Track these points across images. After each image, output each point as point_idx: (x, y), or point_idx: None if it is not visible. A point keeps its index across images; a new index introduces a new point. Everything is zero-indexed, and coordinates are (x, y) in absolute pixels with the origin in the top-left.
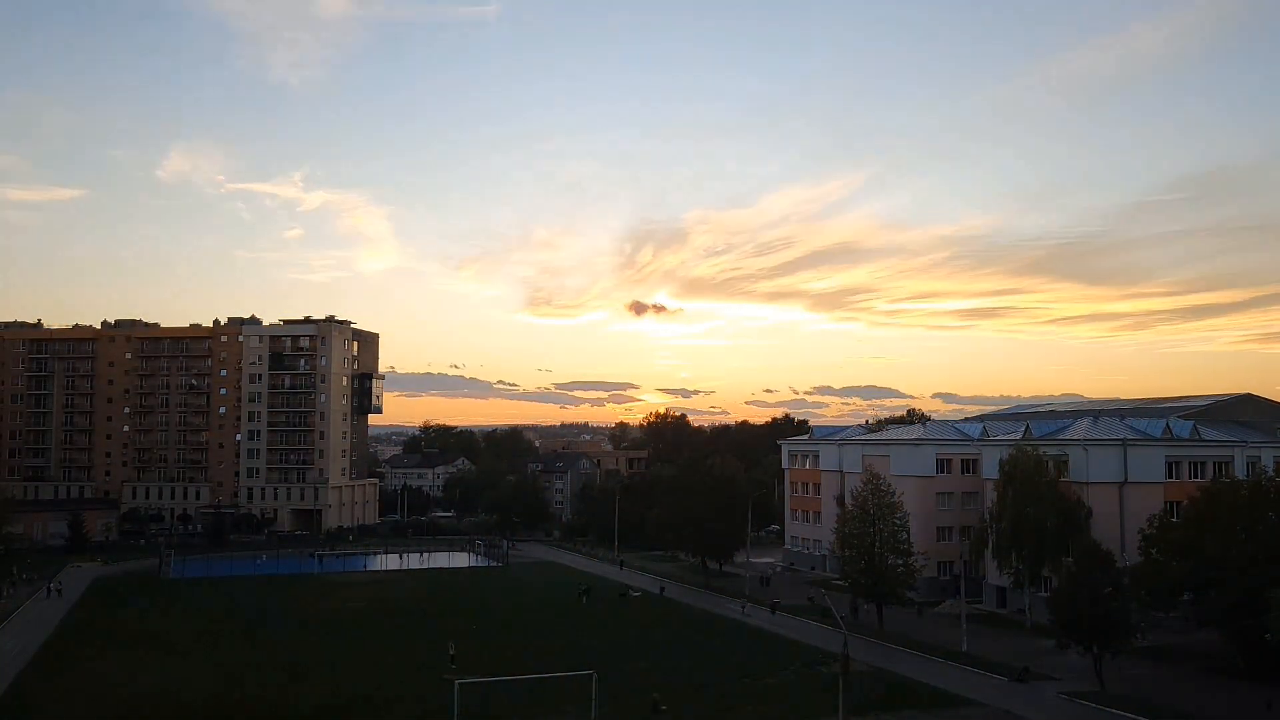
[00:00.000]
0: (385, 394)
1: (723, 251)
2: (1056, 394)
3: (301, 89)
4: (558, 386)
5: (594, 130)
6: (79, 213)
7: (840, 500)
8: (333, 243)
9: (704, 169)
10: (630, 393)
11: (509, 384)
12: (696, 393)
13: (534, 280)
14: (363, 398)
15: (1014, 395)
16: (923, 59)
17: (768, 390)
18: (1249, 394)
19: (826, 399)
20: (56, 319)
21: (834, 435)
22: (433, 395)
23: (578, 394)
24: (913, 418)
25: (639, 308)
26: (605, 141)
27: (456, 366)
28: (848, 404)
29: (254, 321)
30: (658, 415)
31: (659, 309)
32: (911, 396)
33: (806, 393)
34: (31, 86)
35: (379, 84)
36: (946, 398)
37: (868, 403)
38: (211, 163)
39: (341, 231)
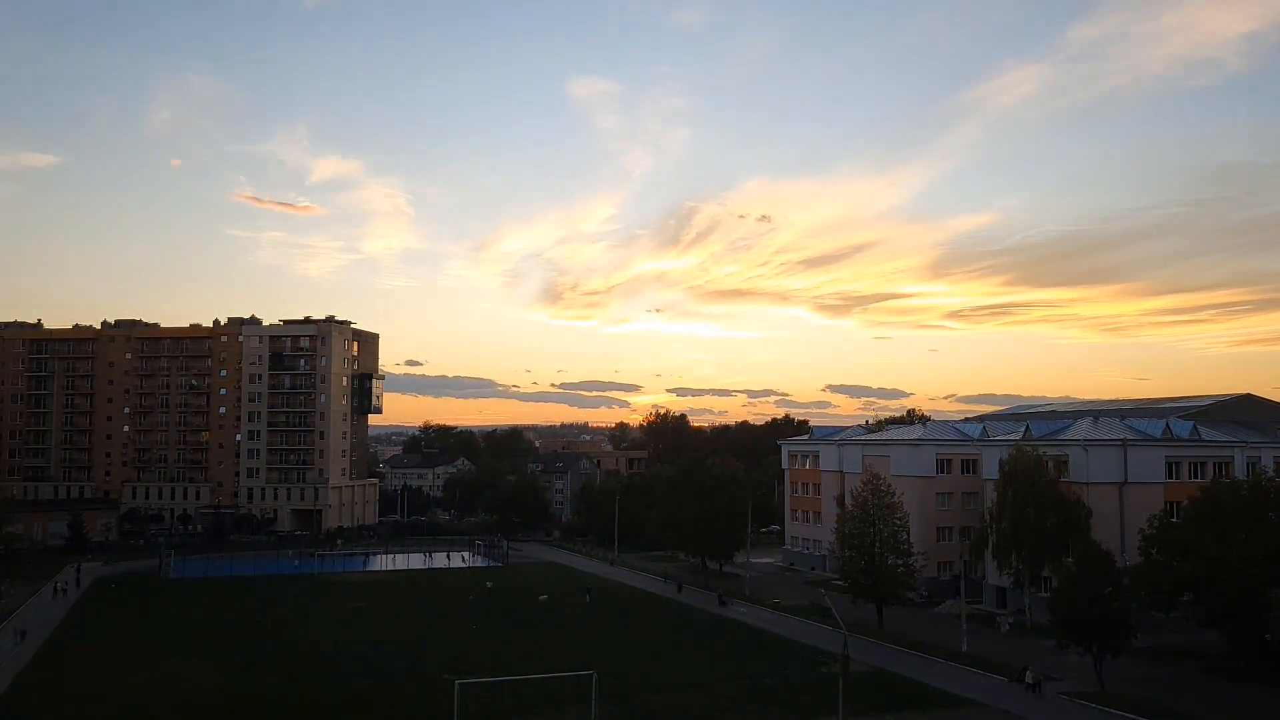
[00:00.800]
0: (392, 394)
1: (743, 250)
2: (1080, 395)
3: (316, 9)
4: (573, 386)
5: (635, 103)
6: (58, 185)
7: (840, 500)
8: (339, 225)
9: (733, 161)
10: (643, 392)
11: (523, 384)
12: (731, 393)
13: (557, 265)
14: (363, 398)
15: (1027, 396)
16: (943, 52)
17: (781, 393)
18: (1249, 394)
19: (845, 399)
20: (56, 319)
21: (834, 435)
22: (439, 396)
23: (597, 395)
24: (912, 418)
25: (658, 306)
26: (649, 118)
27: (483, 368)
28: (874, 403)
29: (254, 321)
30: (658, 415)
31: (679, 308)
32: (931, 398)
33: (827, 389)
34: None
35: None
36: (968, 399)
37: (887, 403)
38: (205, 114)
39: (348, 214)
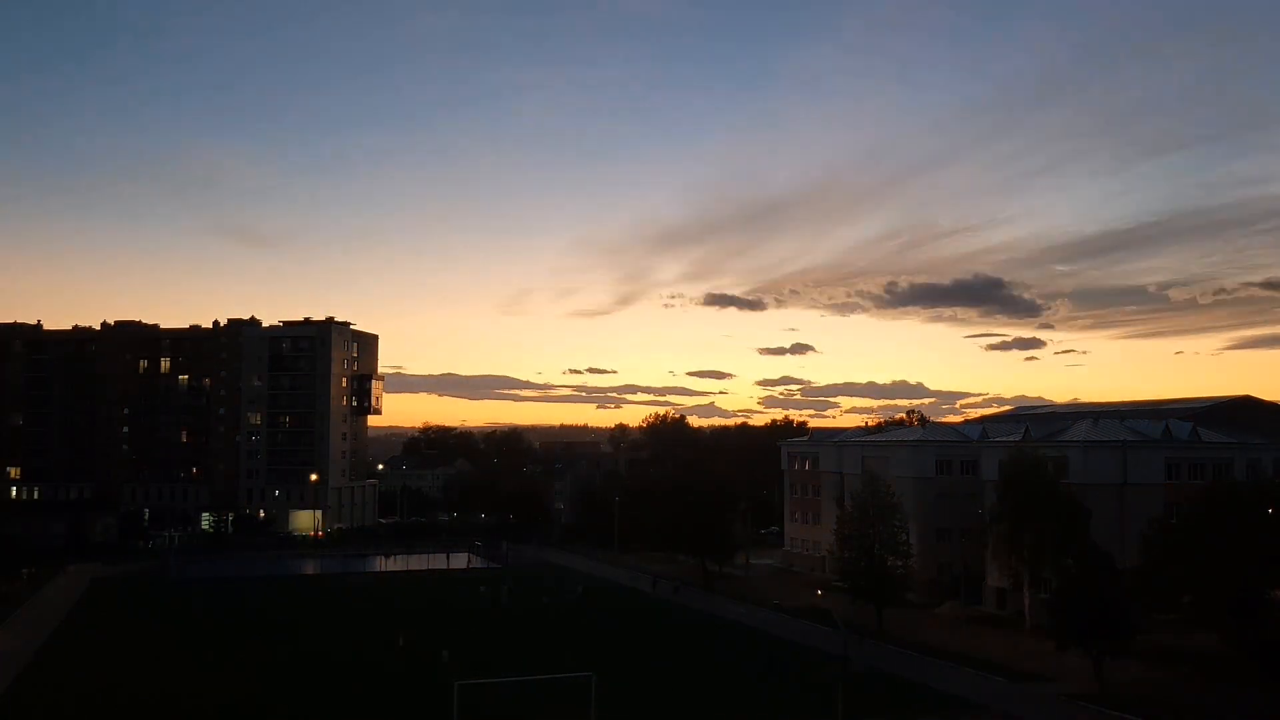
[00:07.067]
0: (403, 394)
1: (759, 251)
2: (1093, 399)
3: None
4: (598, 387)
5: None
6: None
7: (840, 502)
8: (338, 227)
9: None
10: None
11: (538, 383)
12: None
13: (581, 261)
14: (362, 399)
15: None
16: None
17: (782, 390)
18: (1248, 396)
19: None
20: (56, 319)
21: (833, 437)
22: (446, 397)
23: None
24: (912, 419)
25: (711, 300)
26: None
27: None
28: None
29: (254, 322)
30: (657, 416)
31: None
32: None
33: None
34: None
35: None
36: (991, 401)
37: (911, 402)
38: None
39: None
